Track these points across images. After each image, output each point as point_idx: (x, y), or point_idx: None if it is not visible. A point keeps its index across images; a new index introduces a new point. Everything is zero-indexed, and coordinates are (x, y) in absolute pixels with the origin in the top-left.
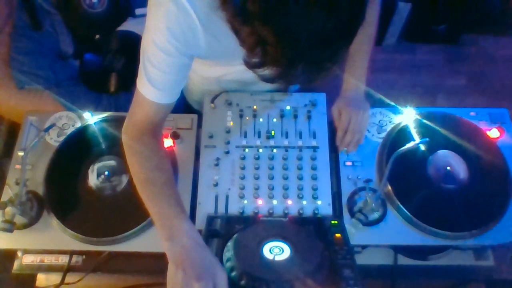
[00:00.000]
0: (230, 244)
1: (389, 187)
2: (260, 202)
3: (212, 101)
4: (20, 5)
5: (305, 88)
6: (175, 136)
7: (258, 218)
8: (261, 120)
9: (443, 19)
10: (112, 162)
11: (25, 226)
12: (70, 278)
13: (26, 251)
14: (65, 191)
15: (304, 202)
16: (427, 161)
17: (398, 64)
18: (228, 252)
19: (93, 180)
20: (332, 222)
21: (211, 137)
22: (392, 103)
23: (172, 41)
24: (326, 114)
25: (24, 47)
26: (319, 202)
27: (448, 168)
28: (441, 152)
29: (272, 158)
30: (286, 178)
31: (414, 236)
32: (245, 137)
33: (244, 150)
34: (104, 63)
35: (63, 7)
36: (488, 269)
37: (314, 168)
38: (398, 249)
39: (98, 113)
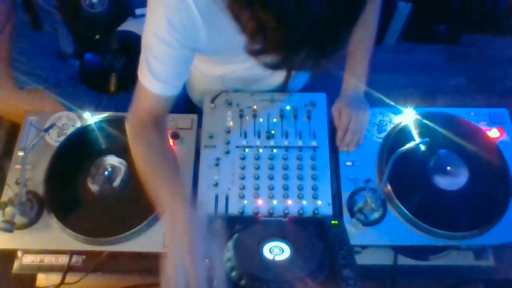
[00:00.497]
0: (230, 244)
1: (389, 187)
2: (260, 202)
3: (212, 101)
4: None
5: (306, 89)
6: (175, 136)
7: (258, 218)
8: (261, 120)
9: (443, 19)
10: (112, 162)
11: (25, 226)
12: (70, 278)
13: (26, 251)
14: (65, 191)
15: (304, 202)
16: (427, 161)
17: (398, 64)
18: (228, 252)
19: (93, 180)
20: (332, 222)
21: (211, 137)
22: (392, 103)
23: (172, 32)
24: (326, 114)
25: (24, 47)
26: (319, 202)
27: (448, 168)
28: (441, 152)
29: (272, 158)
30: (286, 178)
31: (414, 236)
32: (245, 137)
33: (244, 150)
34: (104, 63)
35: (63, 7)
36: (488, 269)
37: (314, 168)
38: (398, 249)
39: (98, 113)
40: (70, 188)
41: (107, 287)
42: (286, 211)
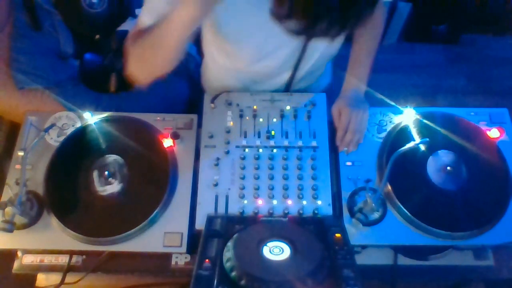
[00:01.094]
0: (230, 244)
1: (389, 187)
2: (260, 202)
3: (212, 101)
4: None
5: (306, 88)
6: (175, 136)
7: (258, 218)
8: (261, 120)
9: (443, 19)
10: (112, 162)
11: (25, 226)
12: (70, 278)
13: (26, 251)
14: (65, 191)
15: (304, 202)
16: (427, 161)
17: (398, 64)
18: (228, 252)
19: (93, 180)
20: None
21: (211, 137)
22: (392, 103)
23: None
24: (326, 114)
25: (24, 47)
26: (319, 202)
27: (448, 168)
28: (441, 152)
29: (272, 158)
30: (286, 178)
31: (414, 236)
32: (245, 137)
33: (244, 150)
34: (104, 63)
35: (63, 7)
36: (488, 269)
37: (314, 168)
38: (398, 249)
39: (98, 113)
40: (70, 188)
41: (107, 287)
42: (286, 211)
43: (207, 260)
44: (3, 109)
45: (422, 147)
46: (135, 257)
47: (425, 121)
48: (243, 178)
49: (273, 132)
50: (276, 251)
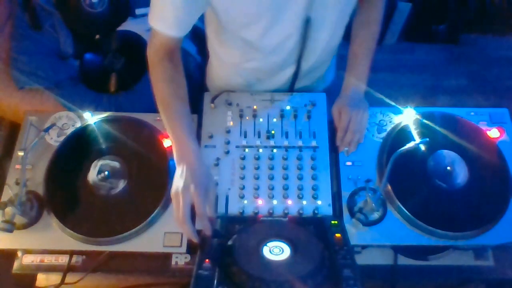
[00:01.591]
0: (230, 244)
1: (389, 187)
2: (260, 202)
3: (212, 101)
4: (20, 5)
5: (311, 85)
6: None
7: (258, 218)
8: (261, 120)
9: (443, 19)
10: (112, 162)
11: (25, 226)
12: (70, 278)
13: (26, 251)
14: (65, 191)
15: (304, 202)
16: (427, 161)
17: (398, 64)
18: (228, 252)
19: (93, 180)
20: (332, 222)
21: (211, 137)
22: (392, 103)
23: None
24: (326, 114)
25: (24, 47)
26: (319, 202)
27: (448, 168)
28: (441, 152)
29: (272, 158)
30: (286, 178)
31: (414, 236)
32: (245, 137)
33: (244, 150)
34: (104, 63)
35: (63, 7)
36: (488, 269)
37: (314, 168)
38: (398, 249)
39: (98, 113)
40: (70, 188)
41: (107, 287)
42: (286, 211)
43: (207, 260)
44: (3, 109)
45: (422, 147)
46: (135, 257)
47: (425, 121)
48: (243, 178)
49: (273, 132)
50: (276, 251)
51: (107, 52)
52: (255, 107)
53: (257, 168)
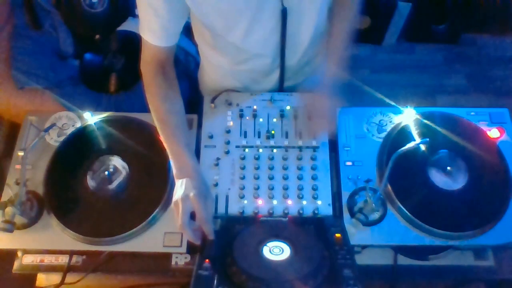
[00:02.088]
0: (230, 244)
1: (389, 187)
2: (260, 202)
3: (212, 101)
4: (20, 5)
5: (302, 82)
6: None
7: (258, 218)
8: (261, 120)
9: (443, 19)
10: (112, 162)
11: (25, 226)
12: (70, 278)
13: (26, 251)
14: (65, 191)
15: (304, 202)
16: (427, 161)
17: (398, 64)
18: (228, 252)
19: (93, 180)
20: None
21: (211, 137)
22: (392, 103)
23: None
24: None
25: (24, 47)
26: (319, 202)
27: (448, 168)
28: (441, 152)
29: (272, 158)
30: (286, 178)
31: (414, 236)
32: (245, 137)
33: (244, 150)
34: (104, 63)
35: (63, 7)
36: (488, 269)
37: (314, 168)
38: (398, 249)
39: (98, 113)
40: (70, 188)
41: (107, 287)
42: (286, 211)
43: (207, 260)
44: (3, 109)
45: (422, 147)
46: (135, 257)
47: (425, 121)
48: (243, 178)
49: (273, 132)
50: (276, 251)
51: (107, 52)
52: (255, 107)
53: (257, 168)
